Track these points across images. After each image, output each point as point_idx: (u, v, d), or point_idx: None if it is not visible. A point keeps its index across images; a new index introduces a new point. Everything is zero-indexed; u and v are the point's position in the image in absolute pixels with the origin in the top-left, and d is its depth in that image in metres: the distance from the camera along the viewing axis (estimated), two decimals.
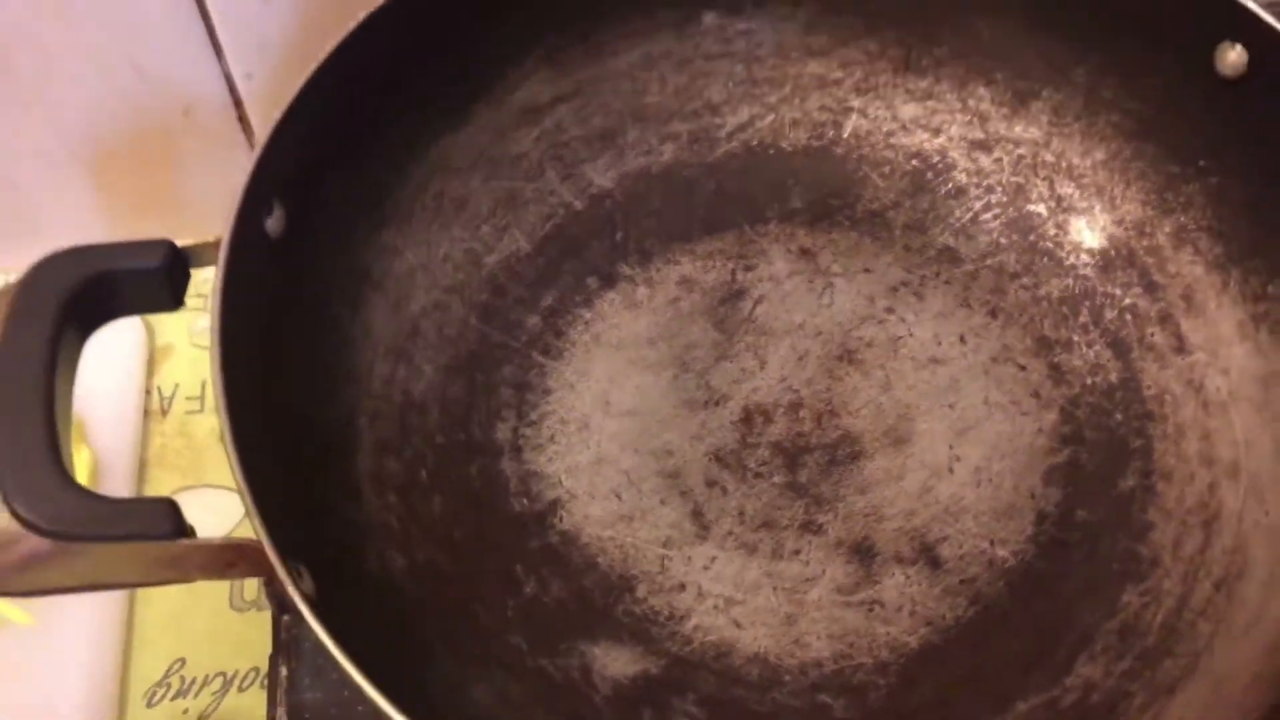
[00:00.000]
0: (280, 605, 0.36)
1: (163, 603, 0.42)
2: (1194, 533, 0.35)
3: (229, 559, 0.27)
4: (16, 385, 0.27)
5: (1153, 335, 0.39)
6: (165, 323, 0.49)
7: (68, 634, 0.40)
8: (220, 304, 0.29)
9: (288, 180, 0.33)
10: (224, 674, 0.41)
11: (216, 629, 0.42)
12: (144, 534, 0.27)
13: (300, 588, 0.26)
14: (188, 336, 0.50)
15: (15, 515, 0.26)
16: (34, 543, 0.26)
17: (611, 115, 0.43)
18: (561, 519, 0.37)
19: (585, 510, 0.37)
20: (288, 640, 0.36)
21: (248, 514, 0.27)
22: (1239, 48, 0.35)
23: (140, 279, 0.31)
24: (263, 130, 0.46)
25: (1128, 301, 0.40)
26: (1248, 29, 0.35)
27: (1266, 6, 0.35)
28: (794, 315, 0.41)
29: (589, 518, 0.37)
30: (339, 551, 0.32)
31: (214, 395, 0.28)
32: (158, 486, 0.46)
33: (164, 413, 0.48)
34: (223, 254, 0.30)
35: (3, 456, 0.26)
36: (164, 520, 0.27)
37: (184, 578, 0.28)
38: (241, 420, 0.28)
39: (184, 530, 0.27)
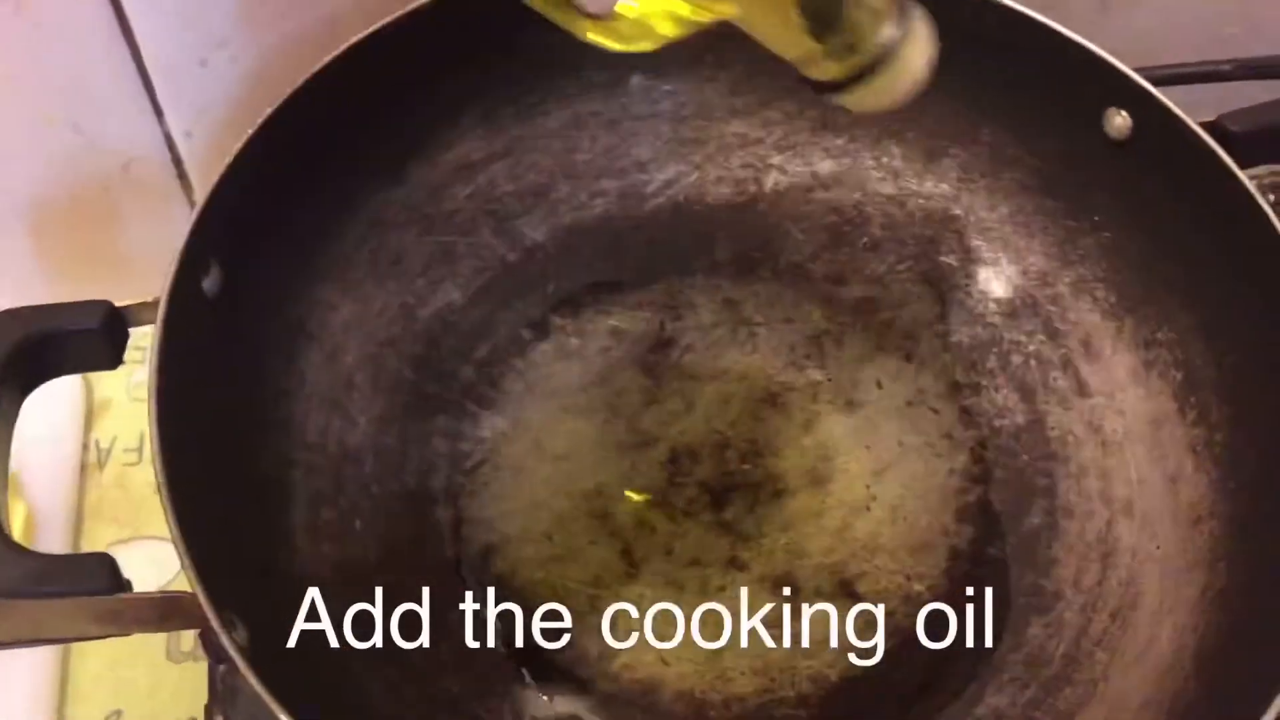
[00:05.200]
0: (216, 656, 0.36)
1: (98, 655, 0.42)
2: (1093, 566, 0.37)
3: (165, 611, 0.28)
4: None
5: (1055, 379, 0.42)
6: (103, 376, 0.49)
7: (1, 689, 0.40)
8: (157, 365, 0.30)
9: (224, 241, 0.35)
10: None
11: (153, 681, 0.42)
12: (81, 589, 0.27)
13: (234, 639, 0.27)
14: (126, 390, 0.50)
15: None
16: None
17: (543, 172, 0.44)
18: (495, 563, 0.38)
19: (518, 553, 0.39)
20: (224, 690, 0.37)
21: (183, 566, 0.27)
22: (1124, 114, 0.38)
23: (79, 339, 0.32)
24: (202, 186, 0.48)
25: (1032, 348, 0.42)
26: (1130, 97, 0.38)
27: (1148, 77, 0.38)
28: (720, 362, 0.43)
29: (522, 560, 0.39)
30: (274, 602, 0.33)
31: (151, 451, 0.29)
32: (95, 539, 0.46)
33: (101, 465, 0.48)
34: (159, 318, 0.31)
35: None
36: (101, 575, 0.27)
37: (121, 631, 0.29)
38: (178, 474, 0.29)
39: (121, 584, 0.28)
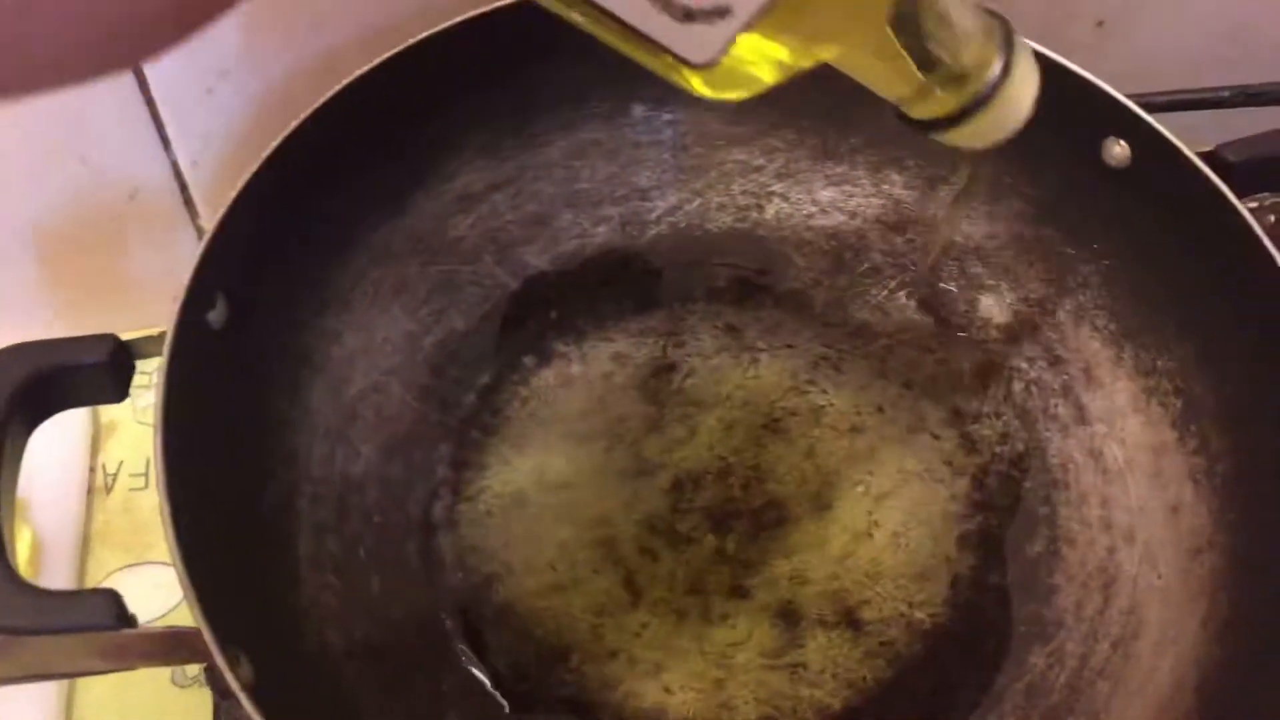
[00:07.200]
0: (220, 691, 0.37)
1: (103, 682, 0.43)
2: (1094, 595, 0.38)
3: (170, 646, 0.28)
4: None
5: (1056, 406, 0.42)
6: None
7: (6, 716, 0.40)
8: (163, 402, 0.31)
9: (230, 275, 0.35)
10: None
11: (159, 707, 0.42)
12: (88, 625, 0.27)
13: (239, 675, 0.27)
14: (132, 414, 0.50)
15: None
16: None
17: (545, 201, 0.45)
18: (498, 592, 0.39)
19: (521, 583, 0.39)
20: None
21: (188, 603, 0.28)
22: (1123, 143, 0.38)
23: (86, 373, 0.32)
24: (208, 215, 0.48)
25: (1033, 375, 0.43)
26: (1130, 127, 0.38)
27: (1146, 104, 0.38)
28: (721, 388, 0.43)
29: (525, 589, 0.39)
30: (278, 634, 0.33)
31: (157, 489, 0.29)
32: (101, 564, 0.46)
33: (108, 490, 0.48)
34: (165, 353, 0.31)
35: None
36: (107, 611, 0.28)
37: (126, 666, 0.29)
38: (184, 509, 0.29)
39: (127, 620, 0.28)
